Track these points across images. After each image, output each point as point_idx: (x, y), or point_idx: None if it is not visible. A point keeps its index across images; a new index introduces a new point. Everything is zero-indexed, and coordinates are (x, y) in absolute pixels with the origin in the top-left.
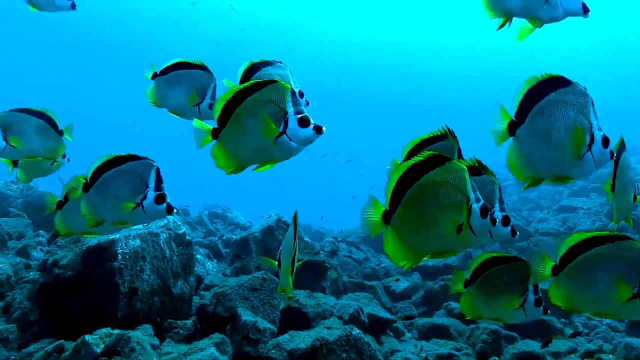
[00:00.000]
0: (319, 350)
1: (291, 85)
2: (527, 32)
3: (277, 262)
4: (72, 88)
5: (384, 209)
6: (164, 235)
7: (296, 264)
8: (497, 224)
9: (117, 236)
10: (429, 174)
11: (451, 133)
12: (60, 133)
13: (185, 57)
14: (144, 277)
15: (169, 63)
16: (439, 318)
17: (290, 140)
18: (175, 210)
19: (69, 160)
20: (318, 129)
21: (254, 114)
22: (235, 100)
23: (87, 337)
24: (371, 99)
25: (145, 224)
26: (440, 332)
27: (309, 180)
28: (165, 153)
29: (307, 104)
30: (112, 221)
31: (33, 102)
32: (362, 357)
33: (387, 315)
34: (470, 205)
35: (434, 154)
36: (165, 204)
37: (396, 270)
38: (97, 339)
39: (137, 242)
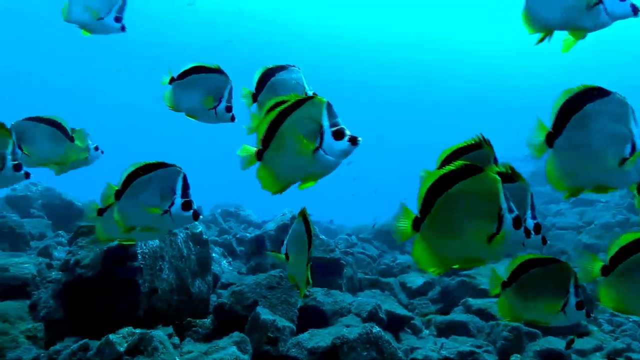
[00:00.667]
0: (340, 349)
1: (306, 89)
2: (571, 43)
3: (284, 256)
4: (73, 87)
5: (414, 216)
6: (181, 234)
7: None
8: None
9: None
10: (461, 182)
11: (486, 142)
12: (71, 139)
13: (201, 62)
14: (163, 276)
15: (186, 67)
16: (457, 315)
17: (326, 154)
18: (201, 217)
19: (102, 152)
20: (353, 140)
21: (292, 131)
22: (277, 121)
23: (111, 337)
24: (372, 96)
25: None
26: (459, 328)
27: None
28: (174, 151)
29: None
30: (142, 227)
31: (33, 100)
32: (383, 355)
33: (405, 312)
34: (503, 216)
35: (466, 164)
36: (191, 211)
37: (412, 267)
38: (120, 338)
39: (156, 241)
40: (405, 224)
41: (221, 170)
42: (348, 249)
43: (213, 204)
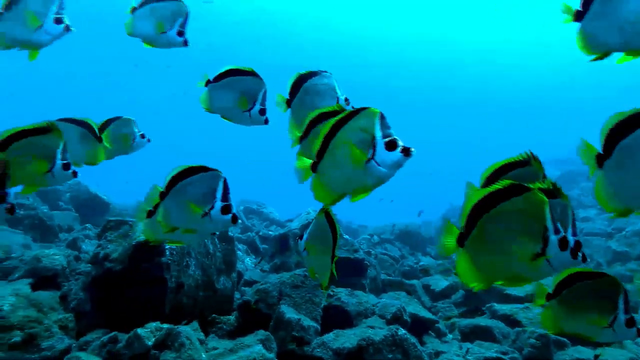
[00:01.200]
0: (365, 350)
1: (338, 94)
2: (629, 59)
3: (304, 252)
4: (90, 80)
5: (458, 231)
6: None
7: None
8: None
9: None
10: (506, 201)
11: (535, 158)
12: (100, 140)
13: (236, 64)
14: (190, 272)
15: (221, 70)
16: (482, 319)
17: (378, 165)
18: (240, 221)
19: (149, 140)
20: (406, 151)
21: (344, 143)
22: (331, 133)
23: (139, 331)
24: (379, 96)
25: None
26: (483, 333)
27: None
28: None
29: (347, 102)
30: (183, 228)
31: (50, 94)
32: (408, 357)
33: (429, 315)
34: (548, 237)
35: (513, 183)
36: (230, 214)
37: (435, 269)
38: (148, 333)
39: None
40: (450, 240)
41: (243, 166)
42: (370, 250)
43: (235, 201)
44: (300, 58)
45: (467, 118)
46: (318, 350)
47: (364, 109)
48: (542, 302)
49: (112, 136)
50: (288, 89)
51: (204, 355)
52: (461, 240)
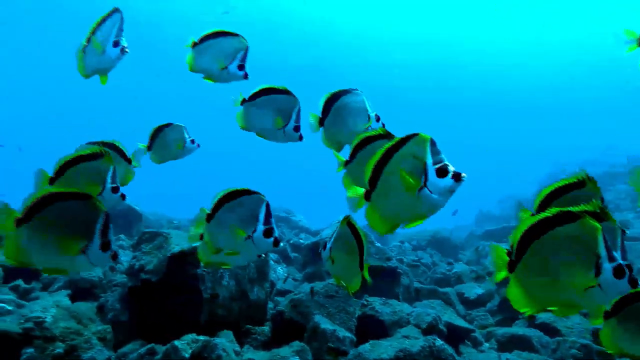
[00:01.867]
0: None
1: (369, 112)
2: None
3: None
4: (113, 90)
5: (507, 258)
6: None
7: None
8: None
9: (199, 244)
10: (557, 228)
11: (591, 180)
12: (129, 161)
13: (271, 83)
14: (224, 283)
15: (256, 89)
16: (520, 328)
17: (431, 192)
18: (281, 244)
19: (198, 145)
20: (457, 177)
21: (396, 171)
22: (382, 161)
23: (177, 343)
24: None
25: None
26: (522, 343)
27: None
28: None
29: (378, 119)
30: (227, 250)
31: (71, 102)
32: None
33: (465, 324)
34: (601, 264)
35: (564, 211)
36: (272, 238)
37: (468, 276)
38: (185, 345)
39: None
40: (500, 264)
41: (270, 173)
42: (402, 257)
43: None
44: (310, 57)
45: (488, 120)
46: None
47: (414, 135)
48: (599, 322)
49: (163, 142)
50: (320, 108)
51: None
52: (511, 266)
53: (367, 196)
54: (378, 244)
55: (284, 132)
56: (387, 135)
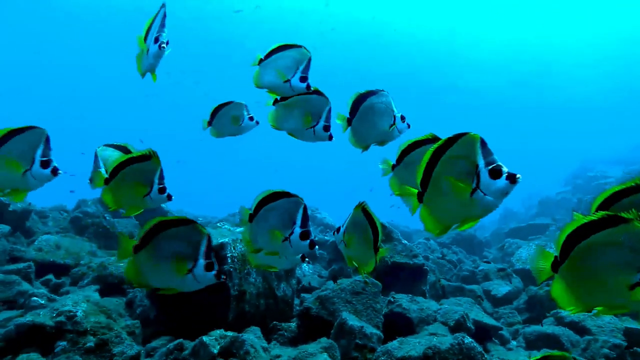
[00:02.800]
0: (432, 359)
1: (394, 113)
2: None
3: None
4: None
5: (552, 257)
6: None
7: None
8: None
9: (226, 240)
10: (601, 232)
11: None
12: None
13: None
14: (251, 280)
15: None
16: (548, 326)
17: (485, 194)
18: (317, 247)
19: (257, 123)
20: (512, 178)
21: (446, 173)
22: (433, 162)
23: (205, 339)
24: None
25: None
26: (550, 341)
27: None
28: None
29: (403, 119)
30: (267, 251)
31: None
32: None
33: (493, 322)
34: None
35: (610, 215)
36: (309, 240)
37: (495, 274)
38: (213, 340)
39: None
40: (544, 265)
41: (295, 171)
42: (428, 254)
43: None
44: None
45: (515, 118)
46: (382, 358)
47: (462, 135)
48: None
49: (223, 118)
50: (348, 108)
51: None
52: (555, 267)
53: (420, 198)
54: (405, 241)
55: (314, 132)
56: (435, 140)
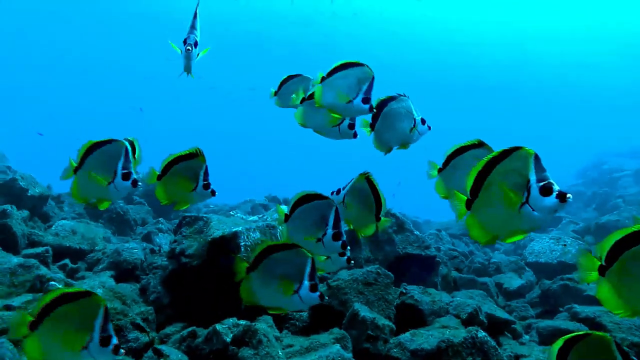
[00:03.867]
0: (445, 352)
1: (414, 116)
2: None
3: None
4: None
5: (598, 262)
6: (280, 227)
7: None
8: None
9: (240, 229)
10: None
11: None
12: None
13: None
14: None
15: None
16: (562, 322)
17: (533, 210)
18: (348, 247)
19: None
20: (562, 197)
21: (498, 185)
22: (486, 171)
23: (218, 327)
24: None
25: (262, 217)
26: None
27: (408, 170)
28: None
29: (424, 122)
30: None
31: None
32: None
33: (506, 316)
34: None
35: None
36: (341, 241)
37: (508, 266)
38: (226, 329)
39: (257, 234)
40: (591, 269)
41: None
42: (440, 245)
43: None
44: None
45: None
46: (395, 350)
47: (517, 148)
48: None
49: (288, 90)
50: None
51: (280, 353)
52: (602, 270)
53: (469, 205)
54: (417, 233)
55: (339, 130)
56: (481, 145)
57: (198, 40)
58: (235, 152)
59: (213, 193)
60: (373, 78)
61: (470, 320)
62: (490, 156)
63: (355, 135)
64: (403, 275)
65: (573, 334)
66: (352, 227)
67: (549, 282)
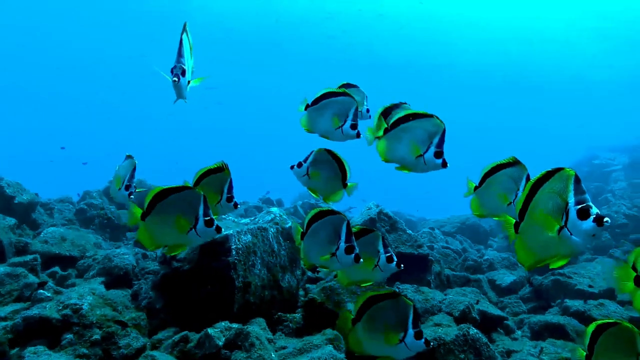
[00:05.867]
0: (437, 351)
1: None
2: None
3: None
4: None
5: (634, 274)
6: (272, 229)
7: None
8: None
9: (231, 232)
10: None
11: None
12: None
13: (330, 88)
14: (256, 271)
15: (318, 94)
16: (554, 316)
17: (571, 234)
18: (361, 260)
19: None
20: (599, 221)
21: (539, 207)
22: (530, 194)
23: (210, 331)
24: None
25: (254, 219)
26: (556, 331)
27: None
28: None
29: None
30: (320, 266)
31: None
32: (481, 358)
33: (499, 312)
34: None
35: None
36: (354, 254)
37: (500, 263)
38: (219, 332)
39: (249, 237)
40: (626, 280)
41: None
42: (433, 244)
43: (294, 195)
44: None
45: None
46: None
47: (559, 170)
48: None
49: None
50: (374, 122)
51: (273, 355)
52: (638, 281)
53: (516, 228)
54: (410, 232)
55: (342, 131)
56: (516, 163)
57: (189, 65)
58: (230, 154)
59: (235, 206)
60: (444, 130)
61: (463, 317)
62: (535, 178)
63: (358, 135)
64: (396, 274)
65: (604, 321)
66: (317, 196)
67: (541, 278)
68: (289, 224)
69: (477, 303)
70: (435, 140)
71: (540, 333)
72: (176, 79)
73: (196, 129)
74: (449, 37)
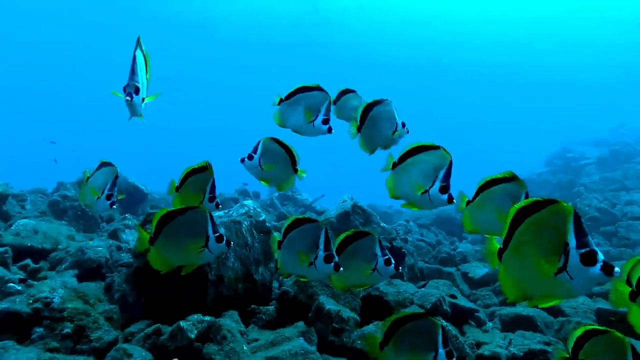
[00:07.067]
0: None
1: (396, 120)
2: None
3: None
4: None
5: (629, 289)
6: (245, 223)
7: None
8: None
9: None
10: None
11: None
12: None
13: (304, 82)
14: (229, 264)
15: (292, 89)
16: (524, 308)
17: (571, 278)
18: (341, 269)
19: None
20: (608, 270)
21: (530, 242)
22: (516, 221)
23: (182, 323)
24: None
25: (228, 212)
26: (525, 323)
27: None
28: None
29: (404, 125)
30: (296, 275)
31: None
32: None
33: (470, 305)
34: None
35: None
36: (333, 264)
37: (473, 256)
38: (191, 325)
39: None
40: (624, 295)
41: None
42: (407, 236)
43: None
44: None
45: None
46: (359, 342)
47: (553, 202)
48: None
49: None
50: (358, 117)
51: (245, 348)
52: (633, 296)
53: (500, 255)
54: (383, 224)
55: (314, 126)
56: (513, 179)
57: (143, 81)
58: (206, 146)
59: (217, 206)
60: (451, 162)
61: (435, 309)
62: (522, 205)
63: (329, 130)
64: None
65: (594, 327)
66: (269, 185)
67: None
68: (263, 217)
69: (452, 297)
70: (441, 174)
71: (511, 325)
72: (129, 98)
73: (173, 124)
74: (434, 37)
